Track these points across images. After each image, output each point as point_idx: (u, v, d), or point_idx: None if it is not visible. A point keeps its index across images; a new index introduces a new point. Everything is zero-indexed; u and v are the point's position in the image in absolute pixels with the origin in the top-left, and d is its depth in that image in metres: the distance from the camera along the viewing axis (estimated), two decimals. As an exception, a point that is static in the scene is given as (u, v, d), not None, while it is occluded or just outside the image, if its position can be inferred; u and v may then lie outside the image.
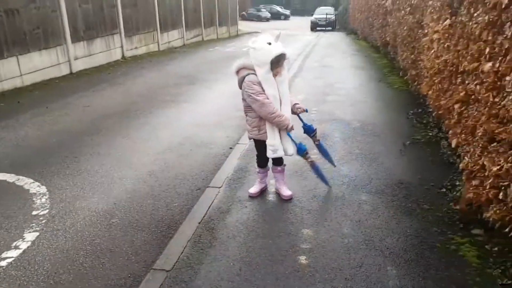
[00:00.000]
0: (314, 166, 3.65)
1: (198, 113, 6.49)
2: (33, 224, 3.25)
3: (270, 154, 3.38)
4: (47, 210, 3.46)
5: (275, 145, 3.33)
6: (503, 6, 2.63)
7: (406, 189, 3.73)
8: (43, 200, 3.64)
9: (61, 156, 4.64)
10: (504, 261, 2.65)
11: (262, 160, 3.57)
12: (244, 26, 31.88)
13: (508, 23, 2.56)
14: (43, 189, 3.85)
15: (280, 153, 3.38)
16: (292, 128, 3.30)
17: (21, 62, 8.26)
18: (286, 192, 3.57)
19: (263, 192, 3.67)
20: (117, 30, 12.08)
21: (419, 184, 3.81)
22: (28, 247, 2.95)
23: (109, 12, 11.58)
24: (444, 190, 3.69)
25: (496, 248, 2.79)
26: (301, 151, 3.48)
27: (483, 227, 2.97)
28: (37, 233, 3.12)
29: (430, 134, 5.19)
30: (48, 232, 3.14)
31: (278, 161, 3.55)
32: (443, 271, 2.61)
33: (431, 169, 4.17)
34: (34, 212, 3.43)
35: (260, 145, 3.47)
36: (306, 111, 3.54)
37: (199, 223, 3.18)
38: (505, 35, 2.58)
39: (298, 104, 3.50)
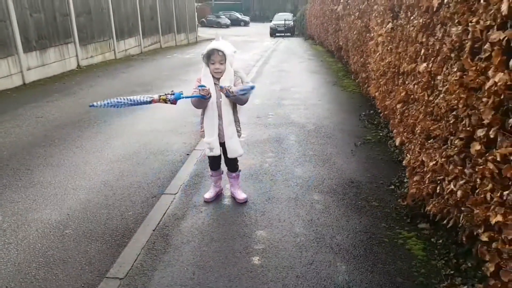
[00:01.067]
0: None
1: (154, 120, 6.43)
2: (-17, 239, 3.14)
3: (207, 152, 3.39)
4: (-2, 224, 3.36)
5: (211, 143, 3.31)
6: (434, 9, 2.82)
7: (356, 187, 3.87)
8: (-7, 214, 3.53)
9: (12, 168, 4.49)
10: (448, 253, 2.79)
11: (212, 162, 3.57)
12: (203, 32, 31.84)
13: (439, 25, 2.75)
14: (-7, 203, 3.73)
15: (216, 152, 3.36)
16: (205, 92, 3.04)
17: (-31, 73, 7.92)
18: (241, 195, 3.61)
19: (218, 196, 3.70)
20: (71, 39, 11.77)
21: (368, 182, 3.97)
22: (-23, 262, 2.85)
23: (62, 21, 11.26)
24: (392, 187, 3.86)
25: (440, 241, 2.93)
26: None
27: (428, 221, 3.11)
28: (-13, 248, 3.02)
29: (381, 134, 5.41)
30: (-2, 246, 3.05)
31: (232, 167, 3.57)
32: (390, 264, 2.73)
33: (380, 167, 4.35)
34: (-16, 227, 3.31)
35: None
36: (228, 88, 3.09)
37: (153, 230, 3.17)
38: (436, 37, 2.77)
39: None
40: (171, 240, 3.03)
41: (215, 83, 3.21)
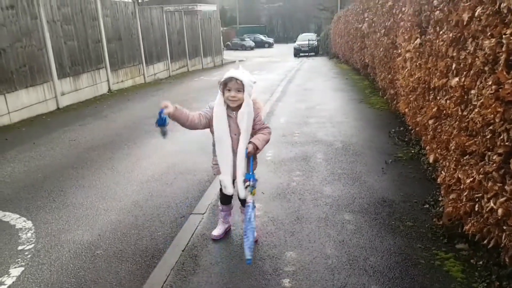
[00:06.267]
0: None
1: (182, 141, 6.50)
2: (19, 259, 3.22)
3: (223, 188, 3.03)
4: (33, 245, 3.43)
5: (224, 181, 2.97)
6: (464, 23, 2.76)
7: (389, 206, 3.76)
8: (29, 234, 3.62)
9: (46, 190, 4.62)
10: (489, 275, 2.64)
11: (223, 196, 3.19)
12: (229, 55, 32.43)
13: (470, 39, 2.68)
14: (29, 224, 3.82)
15: (228, 191, 2.99)
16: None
17: (8, 100, 8.26)
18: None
19: (227, 233, 3.40)
20: (103, 64, 12.20)
21: (402, 201, 3.85)
22: (13, 282, 2.91)
23: (94, 48, 11.72)
24: (427, 206, 3.72)
25: (480, 262, 2.78)
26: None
27: (467, 241, 2.97)
28: (23, 268, 3.09)
29: (412, 151, 5.27)
30: (33, 266, 3.11)
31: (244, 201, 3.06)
32: (427, 287, 2.60)
33: (413, 185, 4.21)
34: (19, 247, 3.40)
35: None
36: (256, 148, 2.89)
37: (182, 250, 3.16)
38: (468, 51, 2.70)
39: (250, 143, 2.91)
40: (200, 261, 3.01)
41: (229, 115, 2.90)
